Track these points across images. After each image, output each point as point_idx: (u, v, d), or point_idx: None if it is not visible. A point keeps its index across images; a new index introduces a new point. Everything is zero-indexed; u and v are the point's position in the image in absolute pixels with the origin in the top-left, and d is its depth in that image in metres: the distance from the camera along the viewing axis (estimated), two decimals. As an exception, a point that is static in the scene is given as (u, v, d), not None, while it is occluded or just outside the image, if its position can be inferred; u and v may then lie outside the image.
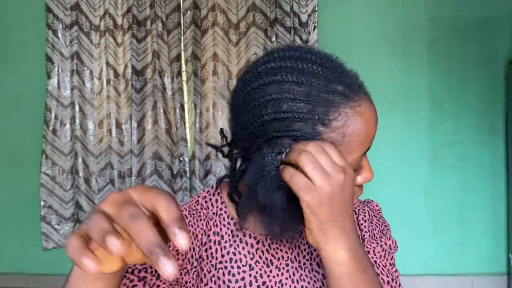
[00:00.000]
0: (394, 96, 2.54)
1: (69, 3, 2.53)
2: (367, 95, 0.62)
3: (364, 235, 0.72)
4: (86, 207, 2.58)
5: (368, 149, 0.63)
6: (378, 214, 0.76)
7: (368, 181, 0.64)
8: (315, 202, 0.51)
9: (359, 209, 0.75)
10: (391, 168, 2.56)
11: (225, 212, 0.69)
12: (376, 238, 0.72)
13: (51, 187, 2.59)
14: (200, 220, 0.69)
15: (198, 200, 0.72)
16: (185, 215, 0.69)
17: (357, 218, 0.73)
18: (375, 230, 0.73)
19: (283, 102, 0.56)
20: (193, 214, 0.70)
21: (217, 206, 0.70)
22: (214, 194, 0.72)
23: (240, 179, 0.66)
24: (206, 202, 0.71)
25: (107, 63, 2.55)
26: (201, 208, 0.70)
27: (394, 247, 0.73)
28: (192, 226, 0.68)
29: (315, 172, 0.51)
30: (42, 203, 2.59)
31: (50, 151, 2.57)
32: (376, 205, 0.78)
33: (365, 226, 0.72)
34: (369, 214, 0.75)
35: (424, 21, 2.52)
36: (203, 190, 0.74)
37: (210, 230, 0.68)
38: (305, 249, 0.70)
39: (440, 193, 2.56)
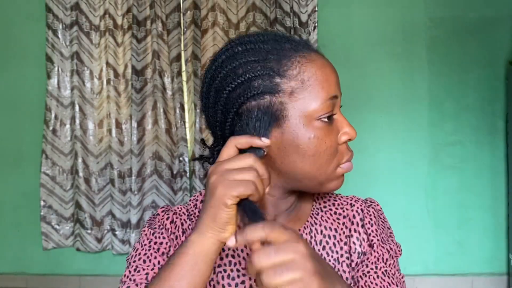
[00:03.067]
0: (394, 96, 2.54)
1: (69, 3, 2.53)
2: (316, 51, 0.64)
3: (372, 240, 0.69)
4: (86, 207, 2.58)
5: (337, 98, 0.62)
6: (381, 215, 0.75)
7: (351, 136, 0.63)
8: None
9: (364, 212, 0.72)
10: (391, 168, 2.55)
11: None
12: (384, 243, 0.70)
13: (51, 187, 2.59)
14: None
15: (196, 204, 0.72)
16: (185, 219, 0.69)
17: (363, 222, 0.71)
18: (382, 234, 0.71)
19: (237, 68, 0.60)
20: (192, 219, 0.69)
21: None
22: None
23: None
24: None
25: (107, 63, 2.55)
26: (199, 212, 0.70)
27: (399, 251, 0.71)
28: (191, 229, 0.68)
29: (281, 276, 0.44)
30: (42, 203, 2.58)
31: (50, 151, 2.57)
32: (377, 205, 0.76)
33: (372, 231, 0.70)
34: (374, 217, 0.72)
35: (424, 21, 2.52)
36: (200, 193, 0.73)
37: None
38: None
39: (440, 193, 2.56)
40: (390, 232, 0.74)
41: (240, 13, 2.53)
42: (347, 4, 2.54)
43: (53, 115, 2.56)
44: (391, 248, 0.69)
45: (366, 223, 0.71)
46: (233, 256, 0.66)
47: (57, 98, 2.56)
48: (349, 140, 0.64)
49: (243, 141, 0.57)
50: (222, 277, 0.64)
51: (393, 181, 2.55)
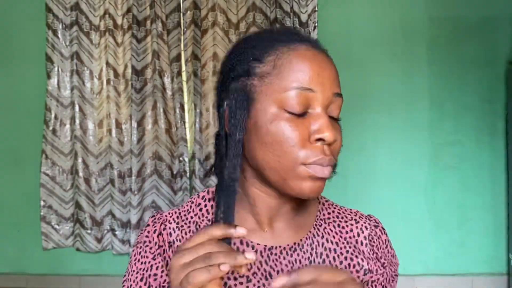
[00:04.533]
0: (394, 96, 2.54)
1: (69, 3, 2.53)
2: (315, 46, 0.62)
3: (384, 263, 0.68)
4: (86, 207, 2.58)
5: (312, 91, 0.58)
6: (387, 239, 0.72)
7: (323, 136, 0.57)
8: None
9: (369, 230, 0.70)
10: (391, 168, 2.55)
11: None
12: (390, 270, 0.69)
13: (51, 187, 2.59)
14: (190, 231, 0.66)
15: (188, 210, 0.69)
16: (173, 229, 0.66)
17: (370, 241, 0.69)
18: (386, 258, 0.70)
19: (232, 58, 0.63)
20: (182, 226, 0.67)
21: (212, 213, 0.67)
22: (209, 200, 0.69)
23: None
24: (200, 209, 0.68)
25: (107, 63, 2.55)
26: (195, 216, 0.67)
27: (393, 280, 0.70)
28: (179, 241, 0.66)
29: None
30: (42, 203, 2.58)
31: (50, 151, 2.57)
32: (382, 228, 0.73)
33: (378, 254, 0.69)
34: (381, 239, 0.70)
35: (424, 21, 2.52)
36: (198, 196, 0.71)
37: None
38: (306, 265, 0.65)
39: (440, 193, 2.56)
40: (396, 264, 0.72)
41: (240, 13, 2.53)
42: (347, 4, 2.55)
43: (53, 115, 2.56)
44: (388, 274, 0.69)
45: (373, 245, 0.69)
46: None
47: (57, 98, 2.56)
48: (322, 140, 0.57)
49: (218, 233, 0.51)
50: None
51: (393, 181, 2.55)
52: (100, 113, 2.58)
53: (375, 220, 0.73)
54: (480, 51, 2.51)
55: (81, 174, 2.57)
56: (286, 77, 0.57)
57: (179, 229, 0.66)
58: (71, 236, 2.62)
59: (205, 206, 0.68)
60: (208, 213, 0.68)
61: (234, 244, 0.64)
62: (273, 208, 0.65)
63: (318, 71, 0.58)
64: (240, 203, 0.65)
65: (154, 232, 0.67)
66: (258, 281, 0.63)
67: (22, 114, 2.64)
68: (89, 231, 2.59)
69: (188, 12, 2.52)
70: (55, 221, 2.60)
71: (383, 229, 0.72)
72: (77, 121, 2.56)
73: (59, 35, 2.55)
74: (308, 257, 0.66)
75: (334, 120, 0.61)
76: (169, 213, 0.69)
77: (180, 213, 0.68)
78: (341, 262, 0.67)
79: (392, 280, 0.70)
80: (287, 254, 0.65)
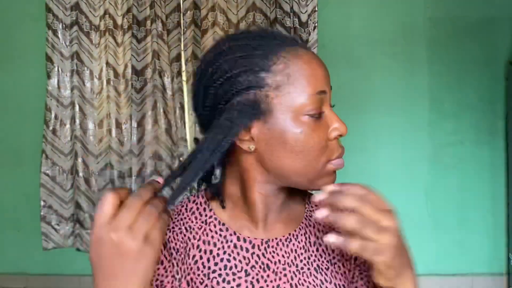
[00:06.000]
0: (394, 96, 2.54)
1: (69, 3, 2.53)
2: (304, 46, 0.63)
3: None
4: (86, 207, 2.58)
5: (325, 93, 0.61)
6: None
7: (341, 132, 0.62)
8: (388, 259, 0.52)
9: None
10: (391, 168, 2.55)
11: (215, 218, 0.68)
12: None
13: (51, 187, 2.59)
14: (181, 233, 0.67)
15: (179, 213, 0.70)
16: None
17: None
18: None
19: (224, 65, 0.60)
20: (173, 228, 0.68)
21: (205, 215, 0.69)
22: (201, 203, 0.70)
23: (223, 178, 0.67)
24: (193, 213, 0.69)
25: (107, 63, 2.55)
26: (188, 219, 0.68)
27: None
28: (171, 242, 0.66)
29: (374, 233, 0.51)
30: (42, 203, 2.58)
31: (50, 151, 2.57)
32: None
33: None
34: None
35: (424, 21, 2.52)
36: (188, 200, 0.71)
37: (199, 240, 0.66)
38: (301, 253, 0.67)
39: (440, 193, 2.56)
40: None
41: (240, 13, 2.53)
42: (347, 4, 2.54)
43: (53, 115, 2.56)
44: None
45: None
46: (228, 260, 0.65)
47: (57, 98, 2.56)
48: (340, 136, 0.62)
49: (147, 194, 0.53)
50: (217, 282, 0.63)
51: (393, 181, 2.55)
52: (100, 113, 2.58)
53: None
54: (480, 51, 2.51)
55: (81, 174, 2.57)
56: (302, 85, 0.59)
57: (170, 231, 0.67)
58: (71, 236, 2.62)
59: (197, 209, 0.69)
60: (201, 215, 0.69)
61: (231, 241, 0.66)
62: (268, 205, 0.67)
63: (323, 73, 0.62)
64: (236, 205, 0.67)
65: None
66: (257, 274, 0.65)
67: (22, 114, 2.64)
68: (89, 231, 2.59)
69: (188, 12, 2.52)
70: (55, 221, 2.60)
71: None
72: (77, 121, 2.56)
73: (59, 35, 2.54)
74: (303, 246, 0.68)
75: None
76: None
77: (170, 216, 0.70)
78: (333, 251, 0.70)
79: None
80: (283, 245, 0.67)
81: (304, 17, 2.45)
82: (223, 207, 0.67)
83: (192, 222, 0.68)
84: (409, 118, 2.54)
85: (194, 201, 0.71)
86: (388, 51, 2.53)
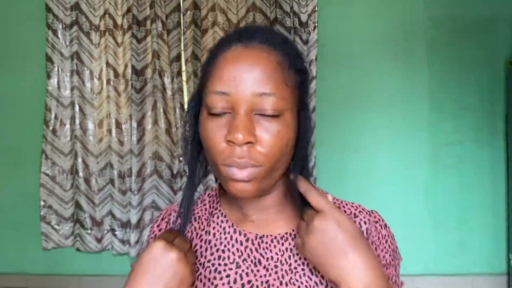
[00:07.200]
0: (394, 96, 2.54)
1: (69, 3, 2.53)
2: (246, 39, 0.62)
3: (384, 256, 0.68)
4: (86, 207, 2.58)
5: (227, 95, 0.59)
6: (388, 234, 0.71)
7: (230, 138, 0.57)
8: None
9: (369, 229, 0.69)
10: (391, 168, 2.55)
11: (220, 211, 0.71)
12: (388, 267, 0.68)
13: (51, 187, 2.59)
14: (191, 223, 0.72)
15: (195, 204, 0.74)
16: (172, 221, 0.74)
17: (368, 240, 0.67)
18: (387, 251, 0.69)
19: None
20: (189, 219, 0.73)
21: (213, 207, 0.72)
22: (213, 196, 0.74)
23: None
24: (204, 204, 0.73)
25: (107, 63, 2.55)
26: (199, 210, 0.73)
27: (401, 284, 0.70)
28: (186, 232, 0.71)
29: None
30: (42, 203, 2.58)
31: (50, 151, 2.57)
32: (384, 224, 0.71)
33: (382, 250, 0.68)
34: (381, 234, 0.69)
35: (424, 21, 2.52)
36: (205, 193, 0.76)
37: (203, 230, 0.70)
38: (297, 253, 0.67)
39: (440, 193, 2.56)
40: (398, 261, 0.71)
41: (240, 13, 2.53)
42: (347, 4, 2.54)
43: (53, 115, 2.56)
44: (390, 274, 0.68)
45: (372, 240, 0.68)
46: (223, 251, 0.67)
47: (57, 98, 2.56)
48: (232, 142, 0.57)
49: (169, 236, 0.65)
50: (210, 271, 0.66)
51: (393, 181, 2.55)
52: (100, 113, 2.58)
53: (376, 216, 0.72)
54: (480, 51, 2.51)
55: (81, 174, 2.57)
56: (210, 83, 0.61)
57: (180, 218, 0.70)
58: (71, 236, 2.62)
59: (209, 201, 0.73)
60: (210, 207, 0.73)
61: (229, 232, 0.68)
62: (248, 203, 0.67)
63: (235, 74, 0.59)
64: (232, 199, 0.69)
65: (157, 226, 0.75)
66: (247, 267, 0.66)
67: (22, 114, 2.64)
68: (89, 231, 2.59)
69: (188, 12, 2.52)
70: (55, 221, 2.60)
71: (385, 225, 0.71)
72: (77, 121, 2.56)
73: (59, 35, 2.54)
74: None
75: (273, 118, 0.59)
76: (168, 213, 0.76)
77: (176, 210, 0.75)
78: None
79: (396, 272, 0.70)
80: (278, 243, 0.67)
81: (304, 17, 2.46)
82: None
83: (202, 212, 0.72)
84: (409, 118, 2.54)
85: (209, 194, 0.75)
86: (388, 51, 2.53)
